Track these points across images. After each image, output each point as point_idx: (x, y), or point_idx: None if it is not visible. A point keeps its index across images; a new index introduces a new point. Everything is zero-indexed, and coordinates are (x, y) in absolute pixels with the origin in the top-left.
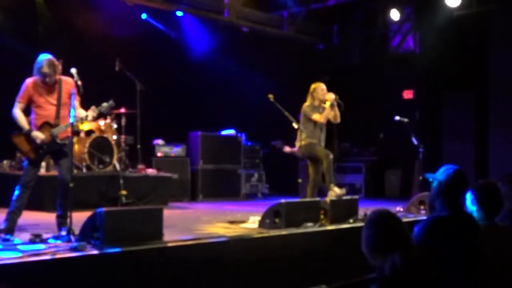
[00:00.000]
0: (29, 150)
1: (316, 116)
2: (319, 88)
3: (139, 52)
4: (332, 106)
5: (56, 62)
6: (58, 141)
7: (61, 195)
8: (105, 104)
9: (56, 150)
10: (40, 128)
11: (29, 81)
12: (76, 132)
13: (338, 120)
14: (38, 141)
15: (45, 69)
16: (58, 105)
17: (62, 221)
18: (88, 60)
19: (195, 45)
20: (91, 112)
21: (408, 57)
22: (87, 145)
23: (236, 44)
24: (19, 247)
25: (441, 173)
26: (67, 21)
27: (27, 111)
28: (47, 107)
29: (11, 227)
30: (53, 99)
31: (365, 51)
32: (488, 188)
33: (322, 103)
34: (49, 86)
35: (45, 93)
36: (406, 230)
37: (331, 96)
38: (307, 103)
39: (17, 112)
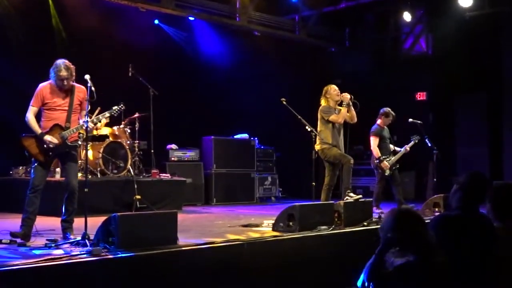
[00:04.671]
0: (38, 153)
1: (333, 117)
2: (332, 89)
3: (151, 58)
4: (348, 106)
5: (72, 66)
6: (69, 143)
7: (67, 200)
8: (115, 107)
9: (65, 152)
10: (50, 130)
11: (43, 85)
12: (91, 138)
13: (355, 120)
14: (52, 145)
15: (63, 73)
16: (70, 110)
17: (67, 226)
18: (101, 66)
19: (207, 49)
20: (103, 117)
21: (420, 59)
22: (101, 150)
23: (248, 48)
24: (34, 252)
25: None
26: (80, 28)
27: (37, 115)
28: (58, 111)
29: (26, 232)
30: (65, 104)
31: (377, 54)
32: (505, 189)
33: (337, 104)
34: (64, 91)
35: (58, 97)
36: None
37: (347, 96)
38: (322, 106)
39: (30, 117)
